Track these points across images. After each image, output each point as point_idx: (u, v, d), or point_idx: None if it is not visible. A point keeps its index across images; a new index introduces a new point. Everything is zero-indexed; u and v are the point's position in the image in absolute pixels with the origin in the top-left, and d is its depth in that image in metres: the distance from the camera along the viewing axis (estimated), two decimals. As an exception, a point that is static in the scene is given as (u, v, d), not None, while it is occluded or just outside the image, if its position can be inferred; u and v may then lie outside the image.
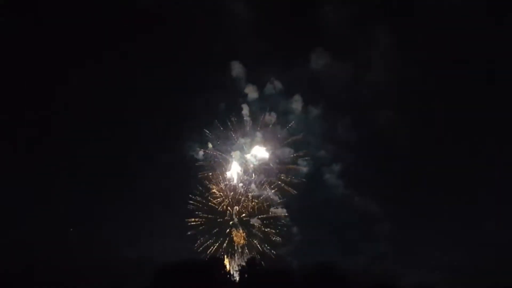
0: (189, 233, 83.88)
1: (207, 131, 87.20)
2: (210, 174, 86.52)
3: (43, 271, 69.74)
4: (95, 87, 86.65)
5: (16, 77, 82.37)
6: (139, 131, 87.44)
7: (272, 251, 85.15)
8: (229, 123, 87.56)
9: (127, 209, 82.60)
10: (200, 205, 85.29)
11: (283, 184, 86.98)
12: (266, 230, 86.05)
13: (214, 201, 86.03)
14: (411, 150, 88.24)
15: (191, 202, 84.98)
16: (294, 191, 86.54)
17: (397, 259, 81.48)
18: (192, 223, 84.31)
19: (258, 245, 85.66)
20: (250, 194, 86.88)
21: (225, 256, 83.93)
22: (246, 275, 67.23)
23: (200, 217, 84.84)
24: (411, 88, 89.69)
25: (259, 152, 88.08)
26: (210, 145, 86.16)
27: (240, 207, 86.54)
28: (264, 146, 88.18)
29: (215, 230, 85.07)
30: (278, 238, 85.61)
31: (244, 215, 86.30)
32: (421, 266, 78.46)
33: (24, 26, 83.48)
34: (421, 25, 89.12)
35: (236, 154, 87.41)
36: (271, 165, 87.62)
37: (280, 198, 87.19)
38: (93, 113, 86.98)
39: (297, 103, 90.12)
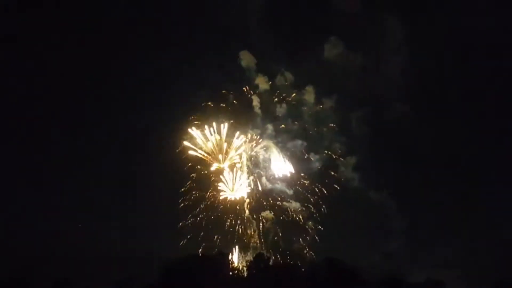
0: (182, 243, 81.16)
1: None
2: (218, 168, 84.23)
3: (49, 267, 69.74)
4: (95, 77, 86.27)
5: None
6: (143, 122, 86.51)
7: (283, 246, 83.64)
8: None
9: (134, 205, 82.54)
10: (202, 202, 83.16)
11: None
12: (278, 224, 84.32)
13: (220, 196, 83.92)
14: (427, 143, 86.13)
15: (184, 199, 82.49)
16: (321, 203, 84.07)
17: (407, 255, 79.77)
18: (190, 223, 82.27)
19: (270, 240, 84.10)
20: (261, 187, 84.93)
21: (234, 250, 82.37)
22: (254, 271, 65.96)
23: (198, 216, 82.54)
24: (427, 79, 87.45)
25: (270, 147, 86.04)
26: (218, 137, 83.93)
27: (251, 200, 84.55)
28: (275, 138, 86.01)
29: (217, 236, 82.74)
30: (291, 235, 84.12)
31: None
32: (430, 262, 76.67)
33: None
34: (436, 15, 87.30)
35: (246, 146, 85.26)
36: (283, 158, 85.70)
37: (293, 193, 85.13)
38: (92, 107, 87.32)
39: (309, 95, 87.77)
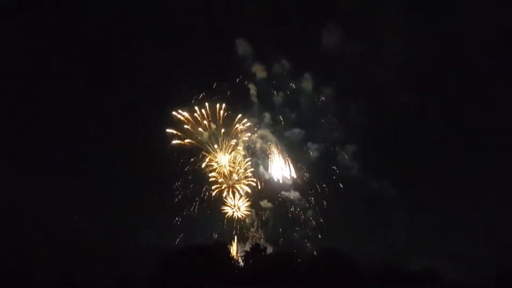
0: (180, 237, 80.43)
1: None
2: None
3: (52, 262, 68.61)
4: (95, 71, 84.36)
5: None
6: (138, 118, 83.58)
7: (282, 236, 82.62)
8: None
9: (133, 198, 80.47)
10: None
11: None
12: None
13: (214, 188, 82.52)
14: (427, 133, 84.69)
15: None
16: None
17: (406, 245, 78.80)
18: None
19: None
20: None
21: (233, 241, 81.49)
22: (250, 261, 65.28)
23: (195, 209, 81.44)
24: (429, 66, 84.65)
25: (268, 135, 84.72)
26: (213, 126, 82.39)
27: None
28: (272, 127, 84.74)
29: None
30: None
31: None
32: (429, 252, 75.55)
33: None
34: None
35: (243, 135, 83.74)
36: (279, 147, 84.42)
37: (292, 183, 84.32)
38: (89, 105, 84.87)
39: (307, 83, 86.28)
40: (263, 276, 59.08)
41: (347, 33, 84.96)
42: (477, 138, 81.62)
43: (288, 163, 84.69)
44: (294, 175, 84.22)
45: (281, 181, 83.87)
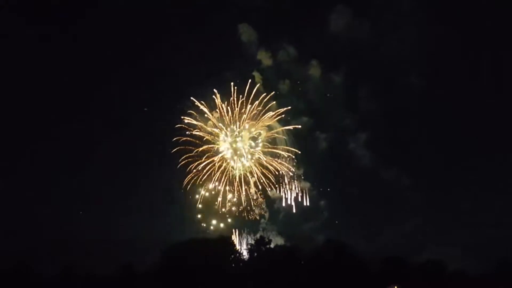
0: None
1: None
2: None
3: (54, 254, 69.58)
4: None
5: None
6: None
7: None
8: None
9: (136, 191, 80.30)
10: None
11: None
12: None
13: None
14: (441, 120, 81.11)
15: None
16: None
17: (412, 235, 76.08)
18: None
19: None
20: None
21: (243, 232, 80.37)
22: (255, 254, 64.62)
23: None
24: (443, 48, 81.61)
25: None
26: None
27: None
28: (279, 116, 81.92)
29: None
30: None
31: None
32: (433, 242, 73.09)
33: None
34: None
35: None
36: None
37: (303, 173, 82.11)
38: (94, 99, 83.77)
39: (315, 69, 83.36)
40: (267, 269, 58.13)
41: (355, 17, 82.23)
42: (495, 125, 78.50)
43: (304, 192, 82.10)
44: (308, 203, 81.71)
45: (294, 210, 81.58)
